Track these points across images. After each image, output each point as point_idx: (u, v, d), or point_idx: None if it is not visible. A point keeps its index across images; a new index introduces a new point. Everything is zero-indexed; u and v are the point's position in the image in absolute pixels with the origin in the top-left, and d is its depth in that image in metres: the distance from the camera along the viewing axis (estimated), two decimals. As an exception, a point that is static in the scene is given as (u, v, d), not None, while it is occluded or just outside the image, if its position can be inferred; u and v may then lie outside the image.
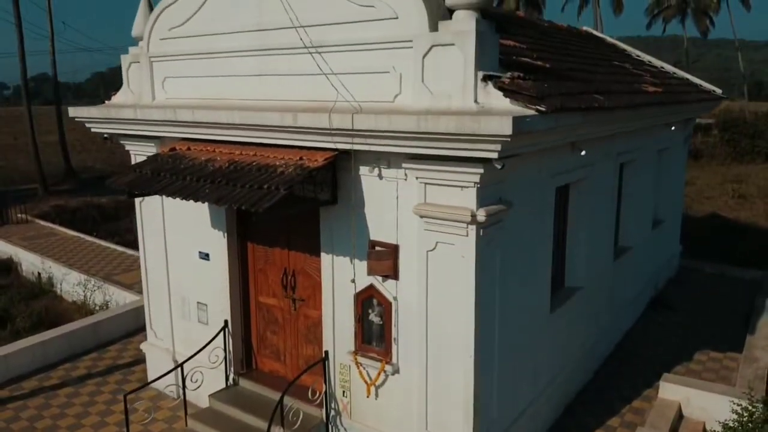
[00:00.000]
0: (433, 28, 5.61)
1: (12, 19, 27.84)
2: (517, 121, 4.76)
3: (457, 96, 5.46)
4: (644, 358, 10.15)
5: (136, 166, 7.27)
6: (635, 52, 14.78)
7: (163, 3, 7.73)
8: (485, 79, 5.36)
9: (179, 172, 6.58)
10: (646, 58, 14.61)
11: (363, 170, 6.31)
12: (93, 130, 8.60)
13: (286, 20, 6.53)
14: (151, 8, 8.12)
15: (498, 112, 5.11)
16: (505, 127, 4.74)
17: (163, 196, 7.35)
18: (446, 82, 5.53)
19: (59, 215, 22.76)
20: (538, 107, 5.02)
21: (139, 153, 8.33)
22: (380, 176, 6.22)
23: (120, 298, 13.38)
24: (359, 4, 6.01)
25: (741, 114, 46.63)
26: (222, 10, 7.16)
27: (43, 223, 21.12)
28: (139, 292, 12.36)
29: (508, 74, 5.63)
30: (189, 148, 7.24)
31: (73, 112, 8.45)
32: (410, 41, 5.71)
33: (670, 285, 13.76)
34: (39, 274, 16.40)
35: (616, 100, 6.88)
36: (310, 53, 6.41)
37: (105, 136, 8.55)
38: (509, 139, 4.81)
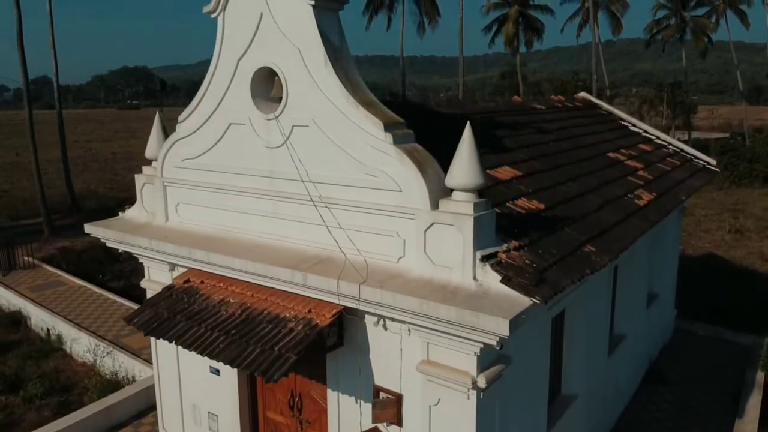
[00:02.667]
0: (434, 205, 5.98)
1: (12, 18, 27.27)
2: (514, 321, 5.13)
3: (458, 270, 5.83)
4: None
5: (152, 302, 7.63)
6: (631, 121, 15.16)
7: (177, 135, 8.10)
8: (483, 259, 5.73)
9: (193, 316, 6.94)
10: (642, 126, 14.99)
11: (368, 321, 6.67)
12: (108, 245, 8.95)
13: (296, 173, 6.91)
14: (165, 133, 8.48)
15: (496, 297, 5.48)
16: (503, 328, 5.11)
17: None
18: (447, 256, 5.90)
19: (65, 258, 23.12)
20: (534, 299, 5.38)
21: (153, 269, 8.70)
22: (385, 327, 6.59)
23: (129, 366, 13.74)
24: (365, 172, 6.39)
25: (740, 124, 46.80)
26: (235, 151, 7.53)
27: (49, 268, 21.49)
28: (147, 360, 12.75)
29: (505, 246, 6.00)
30: (203, 281, 7.61)
31: (89, 228, 8.82)
32: (413, 213, 6.09)
33: (665, 353, 14.14)
34: (48, 330, 16.76)
35: (612, 245, 7.23)
36: (316, 206, 6.79)
37: (120, 251, 8.91)
38: (507, 336, 5.18)
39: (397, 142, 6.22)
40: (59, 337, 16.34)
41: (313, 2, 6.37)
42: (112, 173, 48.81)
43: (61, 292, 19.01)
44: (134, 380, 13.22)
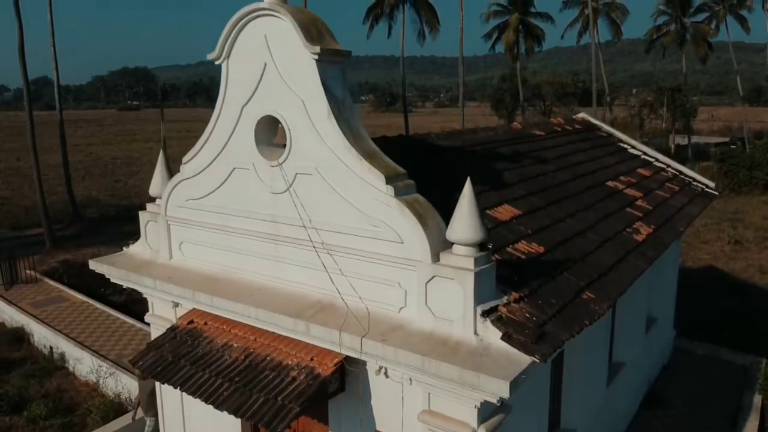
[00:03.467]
0: (435, 258, 6.08)
1: (12, 20, 27.02)
2: (515, 382, 5.23)
3: (459, 324, 5.93)
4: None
5: (156, 344, 7.74)
6: (630, 142, 15.27)
7: (181, 175, 8.19)
8: (484, 314, 5.83)
9: (197, 360, 7.05)
10: (641, 148, 15.10)
11: (370, 369, 6.77)
12: (113, 280, 9.06)
13: (299, 218, 7.01)
14: (169, 172, 8.58)
15: (497, 355, 5.58)
16: (503, 389, 5.21)
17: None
18: (448, 309, 6.00)
19: (67, 271, 23.21)
20: (534, 358, 5.48)
21: (157, 304, 8.81)
22: (386, 375, 6.68)
23: (132, 387, 13.84)
24: (367, 222, 6.49)
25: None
26: (239, 194, 7.62)
27: (52, 283, 21.61)
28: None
29: (505, 299, 6.10)
30: (206, 323, 7.71)
31: (94, 265, 8.94)
32: (414, 265, 6.19)
33: (664, 374, 14.24)
34: (51, 348, 16.87)
35: (611, 290, 7.34)
36: (318, 252, 6.89)
37: (124, 287, 9.01)
38: (508, 396, 5.29)
39: (398, 194, 6.32)
40: (62, 355, 16.46)
41: (316, 57, 6.47)
42: (113, 179, 48.92)
43: (64, 308, 19.12)
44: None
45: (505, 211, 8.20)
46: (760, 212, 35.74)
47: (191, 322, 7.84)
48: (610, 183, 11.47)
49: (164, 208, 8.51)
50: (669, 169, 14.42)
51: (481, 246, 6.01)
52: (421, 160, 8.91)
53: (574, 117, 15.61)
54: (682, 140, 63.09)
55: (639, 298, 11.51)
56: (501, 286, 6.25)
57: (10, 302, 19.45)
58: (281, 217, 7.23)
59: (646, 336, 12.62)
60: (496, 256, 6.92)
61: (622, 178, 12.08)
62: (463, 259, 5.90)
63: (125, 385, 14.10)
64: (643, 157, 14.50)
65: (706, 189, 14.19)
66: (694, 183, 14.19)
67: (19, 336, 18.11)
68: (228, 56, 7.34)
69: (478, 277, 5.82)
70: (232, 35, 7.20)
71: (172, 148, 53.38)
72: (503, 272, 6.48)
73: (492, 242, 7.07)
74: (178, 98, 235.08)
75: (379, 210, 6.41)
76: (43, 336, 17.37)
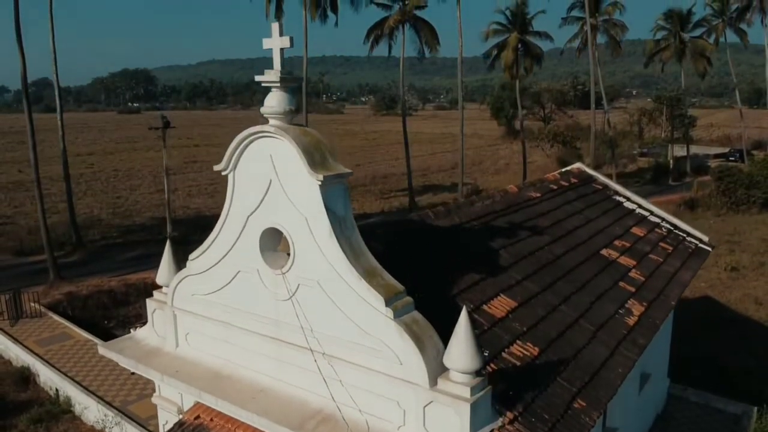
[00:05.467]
0: (433, 382, 6.37)
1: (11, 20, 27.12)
2: None
3: (456, 449, 6.22)
4: None
5: (165, 440, 8.03)
6: (625, 194, 15.54)
7: (188, 271, 8.47)
8: (480, 442, 6.13)
9: (205, 462, 7.33)
10: (635, 200, 15.37)
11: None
12: (122, 365, 9.34)
13: (300, 325, 7.29)
14: (177, 264, 8.86)
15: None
16: None
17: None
18: (445, 433, 6.29)
19: (71, 303, 23.54)
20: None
21: (163, 388, 9.10)
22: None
23: (137, 439, 14.18)
24: (367, 339, 6.77)
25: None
26: (243, 295, 7.91)
27: (56, 318, 21.91)
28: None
29: (500, 421, 6.40)
30: (212, 419, 8.01)
31: (103, 351, 9.21)
32: (413, 387, 6.47)
33: (657, 423, 14.53)
34: (57, 391, 17.18)
35: (601, 393, 7.63)
36: (317, 361, 7.18)
37: (132, 372, 9.31)
38: None
39: (397, 315, 6.60)
40: (68, 399, 16.76)
41: (320, 182, 6.75)
42: (115, 195, 49.21)
43: (69, 347, 19.42)
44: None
45: (500, 305, 8.48)
46: (757, 233, 36.03)
47: (198, 417, 8.14)
48: (604, 252, 11.75)
49: (171, 298, 8.79)
50: (663, 224, 14.69)
51: (477, 371, 6.30)
52: (420, 246, 9.21)
53: (569, 169, 15.85)
54: (680, 150, 63.40)
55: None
56: (496, 405, 6.54)
57: (15, 340, 19.77)
58: (284, 323, 7.51)
59: (640, 395, 12.90)
60: (492, 366, 7.22)
61: (616, 243, 12.36)
62: (459, 387, 6.18)
63: (130, 436, 14.42)
64: (638, 211, 14.77)
65: (700, 245, 14.45)
66: (688, 239, 14.46)
67: (26, 376, 18.43)
68: (234, 168, 7.62)
69: (475, 406, 6.11)
70: (239, 150, 7.48)
71: (172, 158, 53.77)
72: (499, 388, 6.76)
73: (488, 350, 7.41)
74: (178, 100, 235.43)
75: (378, 329, 6.70)
76: (49, 378, 17.68)
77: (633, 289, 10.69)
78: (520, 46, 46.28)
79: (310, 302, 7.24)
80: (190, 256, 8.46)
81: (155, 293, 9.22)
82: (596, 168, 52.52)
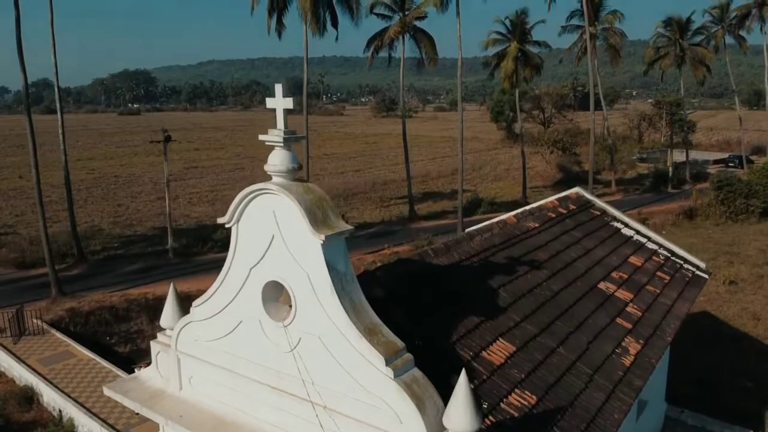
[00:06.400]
0: (433, 442, 6.52)
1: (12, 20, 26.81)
2: None
3: (454, 505, 6.37)
4: None
5: (170, 488, 8.17)
6: (623, 219, 15.67)
7: (192, 317, 8.61)
8: (477, 501, 6.27)
9: None
10: (633, 226, 15.51)
11: None
12: (126, 405, 9.49)
13: (301, 377, 7.44)
14: (180, 306, 9.00)
15: None
16: None
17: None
18: (444, 491, 6.44)
19: (73, 320, 23.69)
20: None
21: (168, 428, 9.25)
22: None
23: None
24: (367, 396, 6.92)
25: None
26: (246, 344, 8.05)
27: (58, 335, 22.05)
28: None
29: (497, 478, 6.55)
30: (216, 466, 8.14)
31: (108, 392, 9.35)
32: (413, 445, 6.62)
33: (655, 449, 14.71)
34: (60, 412, 17.33)
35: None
36: (317, 414, 7.32)
37: (136, 414, 9.45)
38: None
39: (397, 375, 6.74)
40: (71, 420, 16.91)
41: (321, 242, 6.89)
42: (116, 202, 49.33)
43: (72, 366, 19.57)
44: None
45: (499, 351, 8.62)
46: (756, 244, 36.15)
47: (201, 463, 8.27)
48: (602, 285, 11.89)
49: (175, 341, 8.93)
50: (661, 250, 14.83)
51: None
52: (420, 291, 9.35)
53: (568, 194, 15.98)
54: (680, 155, 63.55)
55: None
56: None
57: (19, 359, 19.91)
58: (286, 374, 7.66)
59: (638, 422, 13.04)
60: (491, 418, 7.37)
61: (614, 275, 12.50)
62: (457, 454, 6.33)
63: (133, 461, 14.57)
64: (635, 238, 14.90)
65: (697, 272, 14.59)
66: (686, 266, 14.59)
67: (29, 396, 18.56)
68: (238, 221, 7.76)
69: (472, 470, 6.25)
70: (242, 204, 7.62)
71: (173, 163, 53.88)
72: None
73: (487, 401, 7.56)
74: (179, 101, 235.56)
75: (378, 388, 6.83)
76: (52, 398, 17.83)
77: (630, 326, 10.83)
78: (519, 55, 46.38)
79: (312, 356, 7.38)
80: (194, 303, 8.60)
81: (159, 335, 9.37)
82: (596, 173, 52.95)
